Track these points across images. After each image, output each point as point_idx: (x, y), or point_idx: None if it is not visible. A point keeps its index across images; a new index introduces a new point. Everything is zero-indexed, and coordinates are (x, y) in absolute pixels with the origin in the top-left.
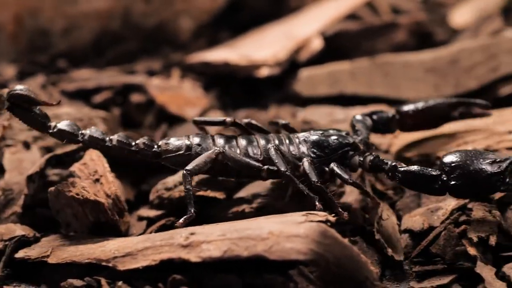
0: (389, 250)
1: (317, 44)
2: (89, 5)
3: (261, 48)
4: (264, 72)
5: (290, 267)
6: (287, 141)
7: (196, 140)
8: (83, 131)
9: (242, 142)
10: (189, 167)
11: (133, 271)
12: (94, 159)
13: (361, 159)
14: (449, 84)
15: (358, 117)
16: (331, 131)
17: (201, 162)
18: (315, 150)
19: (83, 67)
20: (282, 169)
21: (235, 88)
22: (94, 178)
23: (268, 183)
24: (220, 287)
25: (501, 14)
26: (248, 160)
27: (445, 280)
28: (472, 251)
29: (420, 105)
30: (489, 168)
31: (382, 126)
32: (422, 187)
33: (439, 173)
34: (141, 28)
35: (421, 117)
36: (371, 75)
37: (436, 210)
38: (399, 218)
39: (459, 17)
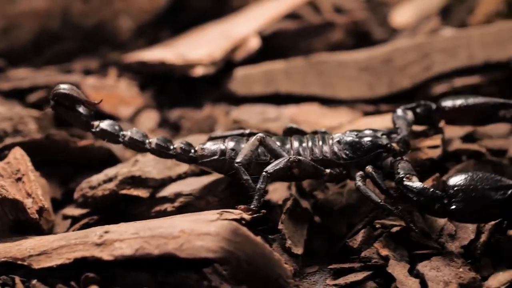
0: (288, 242)
1: (254, 43)
2: (28, 4)
3: (198, 47)
4: (199, 71)
5: (204, 265)
6: (320, 142)
7: (230, 144)
8: (124, 132)
9: (277, 143)
10: (238, 159)
11: (47, 269)
12: (18, 158)
13: (393, 161)
14: (383, 83)
15: (399, 112)
16: (366, 132)
17: (248, 151)
18: (347, 152)
19: (22, 67)
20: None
21: (172, 88)
22: (16, 177)
23: (192, 182)
24: (132, 285)
25: (439, 13)
26: (281, 150)
27: (359, 276)
28: (384, 252)
29: (461, 101)
30: (492, 195)
31: (425, 118)
32: (420, 206)
33: (440, 195)
34: (80, 28)
35: (463, 113)
36: (305, 74)
37: (357, 208)
38: (322, 217)
39: (401, 16)
